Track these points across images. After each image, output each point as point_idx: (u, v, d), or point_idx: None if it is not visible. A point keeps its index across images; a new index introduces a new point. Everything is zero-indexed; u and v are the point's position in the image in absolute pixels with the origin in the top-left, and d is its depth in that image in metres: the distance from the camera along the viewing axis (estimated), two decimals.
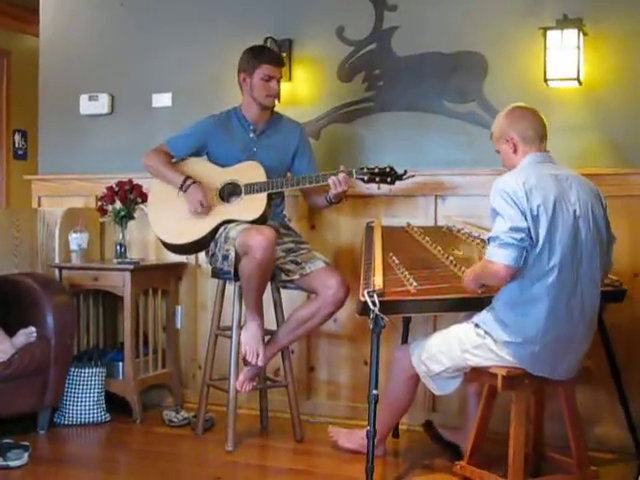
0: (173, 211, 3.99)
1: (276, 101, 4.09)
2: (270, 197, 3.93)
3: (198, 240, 3.94)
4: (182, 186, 3.93)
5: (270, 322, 4.06)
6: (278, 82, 4.02)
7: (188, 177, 3.95)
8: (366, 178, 3.90)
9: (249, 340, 3.83)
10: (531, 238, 2.97)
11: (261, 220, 3.86)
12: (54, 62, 5.18)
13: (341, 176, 3.83)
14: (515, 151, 3.23)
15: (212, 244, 3.92)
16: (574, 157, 3.92)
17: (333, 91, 4.47)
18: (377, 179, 3.89)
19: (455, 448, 3.68)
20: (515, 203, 2.97)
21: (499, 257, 2.97)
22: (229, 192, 3.96)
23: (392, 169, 3.91)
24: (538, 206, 2.97)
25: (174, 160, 4.08)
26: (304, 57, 4.50)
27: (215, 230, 3.90)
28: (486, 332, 3.14)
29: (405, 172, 3.91)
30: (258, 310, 3.83)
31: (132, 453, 4.03)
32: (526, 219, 2.96)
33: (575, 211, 3.05)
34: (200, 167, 4.04)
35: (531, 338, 3.03)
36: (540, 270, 3.00)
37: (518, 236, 2.95)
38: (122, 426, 4.34)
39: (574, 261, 3.03)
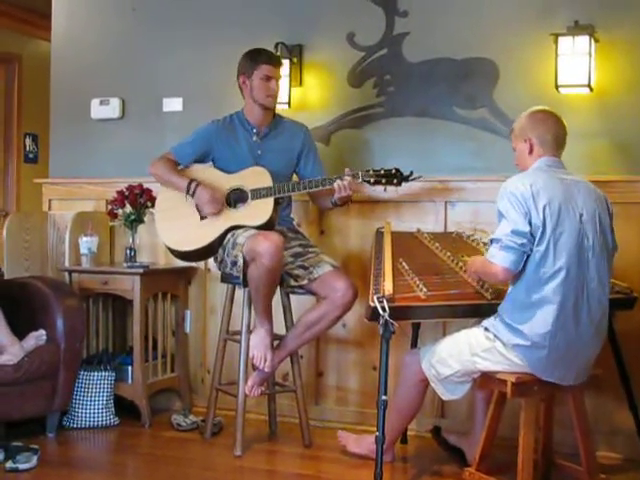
0: (180, 218, 4.00)
1: (278, 100, 4.10)
2: (277, 202, 3.93)
3: (205, 247, 3.95)
4: (188, 190, 3.94)
5: (280, 327, 4.06)
6: (277, 82, 4.04)
7: (193, 180, 3.96)
8: (372, 180, 3.89)
9: (258, 345, 3.83)
10: (533, 242, 3.01)
11: (268, 225, 3.87)
12: (65, 66, 5.20)
13: (346, 181, 3.83)
14: (531, 152, 3.26)
15: (220, 250, 3.92)
16: (585, 164, 3.91)
17: (343, 96, 4.47)
18: (383, 181, 3.89)
19: (460, 453, 3.68)
20: (521, 205, 3.02)
21: (499, 259, 3.04)
22: (235, 198, 3.96)
23: (398, 170, 3.90)
24: (544, 207, 3.01)
25: (180, 167, 4.09)
26: (315, 62, 4.50)
27: (222, 236, 3.91)
28: (495, 335, 3.14)
29: (411, 173, 3.91)
30: (267, 315, 3.83)
31: (140, 457, 4.04)
32: (530, 224, 3.01)
33: (582, 215, 3.07)
34: (206, 174, 4.04)
35: (539, 342, 3.03)
36: (546, 273, 3.02)
37: (519, 241, 3.01)
38: (131, 430, 4.34)
39: (581, 264, 3.04)
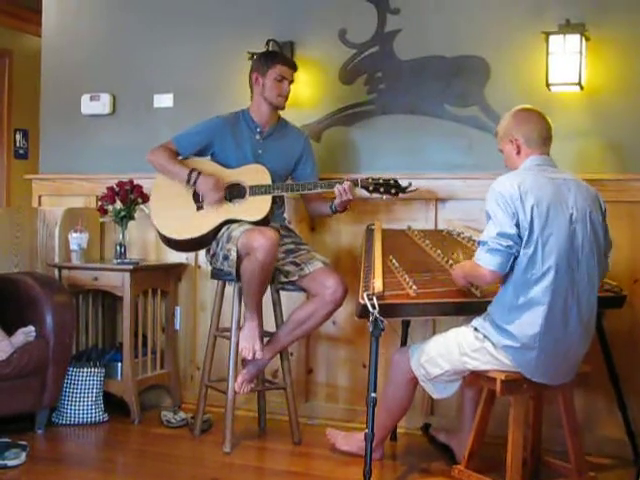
0: (177, 207, 3.99)
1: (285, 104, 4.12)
2: (273, 200, 3.94)
3: (200, 237, 3.94)
4: (189, 179, 3.93)
5: (269, 324, 4.06)
6: (289, 84, 4.06)
7: (193, 169, 3.95)
8: (371, 188, 3.94)
9: (246, 338, 3.83)
10: (520, 243, 3.00)
11: (263, 222, 3.88)
12: (56, 62, 5.18)
13: (347, 185, 3.86)
14: (518, 152, 3.25)
15: (214, 243, 3.92)
16: (575, 162, 3.92)
17: (335, 94, 4.47)
18: (381, 189, 3.94)
19: (449, 450, 3.68)
20: (508, 206, 3.01)
21: (485, 262, 3.04)
22: (233, 193, 3.96)
23: (396, 181, 3.95)
24: (532, 208, 3.00)
25: (179, 158, 4.07)
26: (306, 59, 4.49)
27: (218, 229, 3.91)
28: (485, 336, 3.14)
29: (410, 184, 3.94)
30: (257, 310, 3.83)
31: (130, 453, 4.03)
32: (517, 225, 3.00)
33: (572, 215, 3.06)
34: (206, 166, 4.02)
35: (529, 343, 3.03)
36: (534, 274, 3.01)
37: (505, 243, 3.00)
38: (120, 426, 4.33)
39: (570, 265, 3.03)
